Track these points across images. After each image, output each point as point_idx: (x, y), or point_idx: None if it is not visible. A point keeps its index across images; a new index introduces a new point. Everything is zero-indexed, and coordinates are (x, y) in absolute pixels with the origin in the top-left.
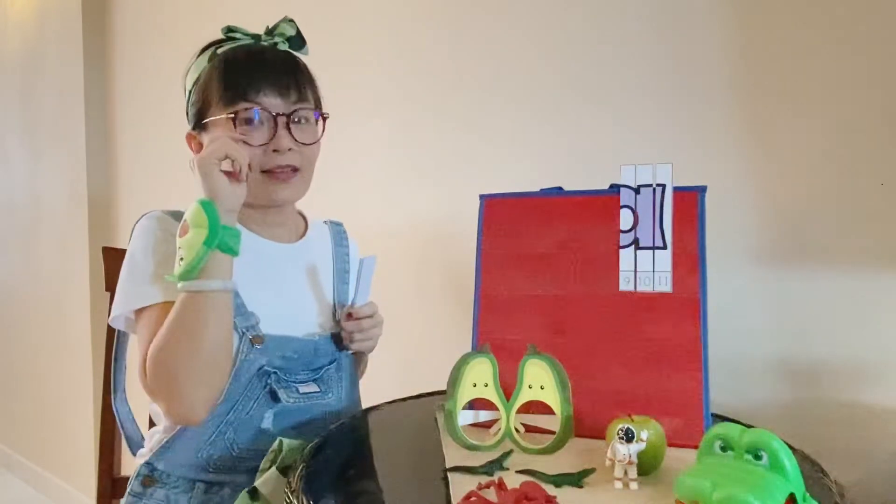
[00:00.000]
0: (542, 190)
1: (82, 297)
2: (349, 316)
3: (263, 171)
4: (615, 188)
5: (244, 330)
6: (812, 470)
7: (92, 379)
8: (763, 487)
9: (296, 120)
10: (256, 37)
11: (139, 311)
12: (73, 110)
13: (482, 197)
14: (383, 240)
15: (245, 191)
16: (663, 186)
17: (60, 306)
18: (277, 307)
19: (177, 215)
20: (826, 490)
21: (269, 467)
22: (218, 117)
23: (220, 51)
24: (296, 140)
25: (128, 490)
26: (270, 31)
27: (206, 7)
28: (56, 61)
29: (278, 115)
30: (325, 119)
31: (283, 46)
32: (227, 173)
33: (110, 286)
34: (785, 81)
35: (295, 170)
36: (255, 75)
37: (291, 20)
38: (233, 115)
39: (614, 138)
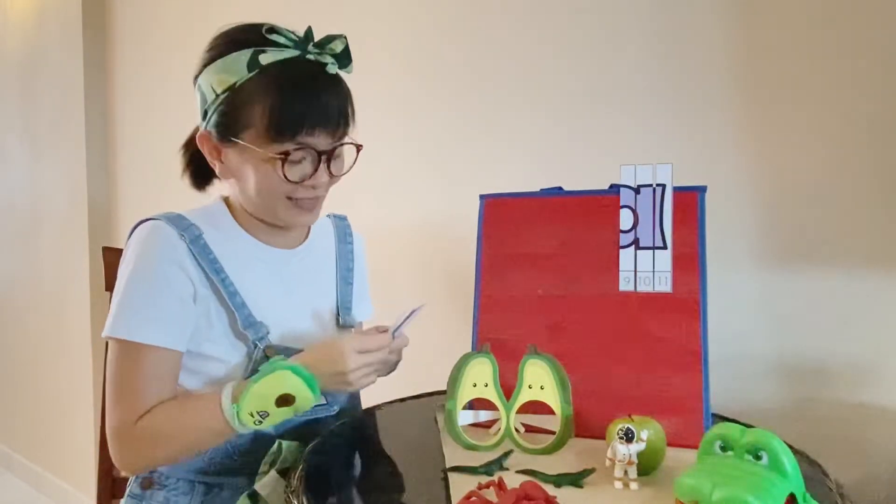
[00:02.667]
0: (542, 190)
1: (82, 297)
2: None
3: (289, 198)
4: (615, 188)
5: (256, 341)
6: (812, 470)
7: (92, 379)
8: (763, 487)
9: (335, 154)
10: (302, 46)
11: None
12: (73, 110)
13: (482, 197)
14: (383, 239)
15: None
16: (663, 186)
17: (60, 306)
18: (281, 314)
19: (176, 220)
20: (826, 490)
21: (269, 469)
22: (259, 150)
23: (263, 60)
24: (331, 173)
25: (127, 492)
26: (320, 45)
27: (207, 7)
28: (56, 61)
29: (322, 153)
30: (358, 150)
31: (333, 69)
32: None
33: (110, 286)
34: (785, 81)
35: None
36: (309, 116)
37: (343, 36)
38: (282, 157)
39: (614, 138)
